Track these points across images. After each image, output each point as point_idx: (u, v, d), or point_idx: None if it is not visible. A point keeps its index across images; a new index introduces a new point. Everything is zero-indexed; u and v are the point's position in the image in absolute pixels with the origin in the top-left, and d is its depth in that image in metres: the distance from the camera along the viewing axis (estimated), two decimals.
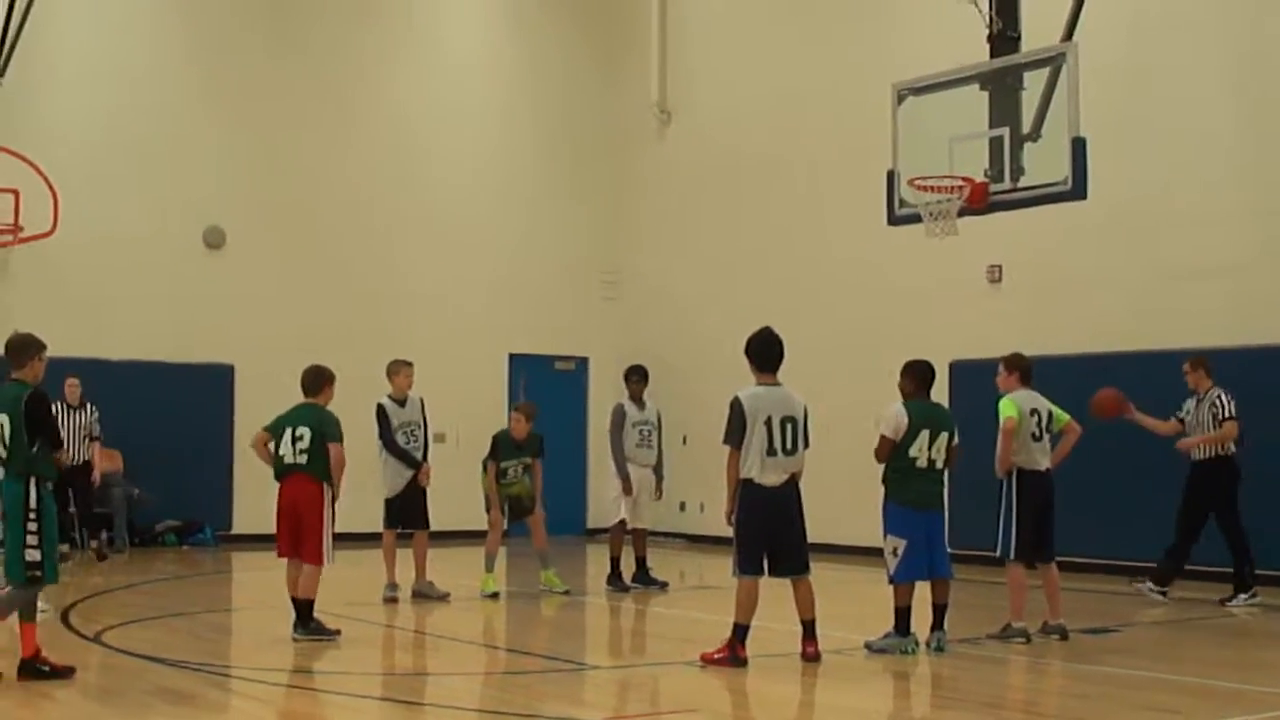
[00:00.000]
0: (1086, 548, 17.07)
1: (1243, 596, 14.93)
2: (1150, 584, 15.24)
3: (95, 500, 19.78)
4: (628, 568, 16.20)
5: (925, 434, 11.54)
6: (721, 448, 10.95)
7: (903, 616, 11.50)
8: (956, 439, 11.75)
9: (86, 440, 18.87)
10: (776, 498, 10.80)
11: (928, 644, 11.52)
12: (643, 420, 16.33)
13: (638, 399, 16.42)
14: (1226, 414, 15.02)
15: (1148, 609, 14.75)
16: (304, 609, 11.99)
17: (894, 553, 11.52)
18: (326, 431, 12.04)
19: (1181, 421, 15.39)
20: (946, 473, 11.83)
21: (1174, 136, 17.78)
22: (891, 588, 11.57)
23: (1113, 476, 17.24)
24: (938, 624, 11.64)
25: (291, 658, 11.37)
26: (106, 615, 13.53)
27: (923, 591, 11.63)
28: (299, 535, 12.03)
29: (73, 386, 18.64)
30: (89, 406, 18.93)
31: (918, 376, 11.78)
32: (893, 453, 11.57)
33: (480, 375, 23.79)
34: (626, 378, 16.66)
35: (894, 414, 11.63)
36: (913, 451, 11.52)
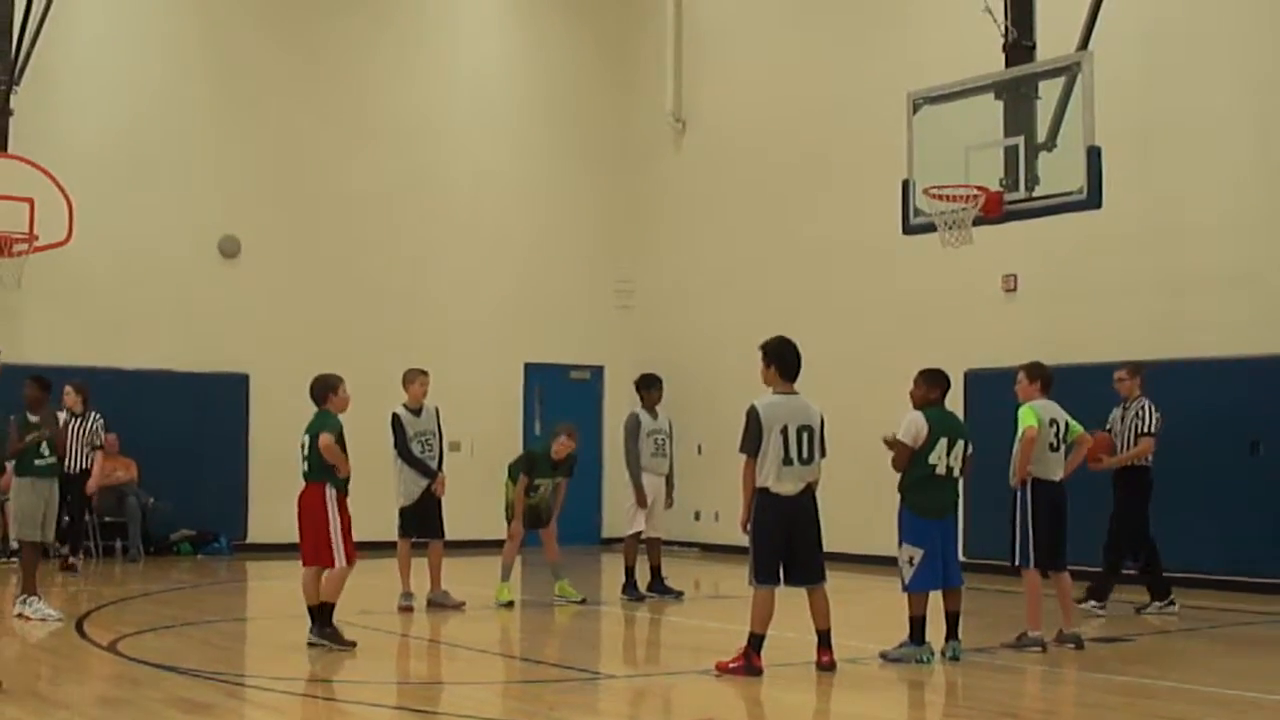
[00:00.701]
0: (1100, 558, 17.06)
1: (1093, 603, 14.60)
2: (1155, 605, 14.98)
3: (96, 509, 19.87)
4: (642, 577, 16.19)
5: (944, 441, 11.53)
6: (737, 457, 10.94)
7: (917, 625, 11.47)
8: (971, 448, 11.74)
9: (88, 448, 18.76)
10: (793, 507, 10.78)
11: (943, 653, 11.50)
12: (657, 429, 16.33)
13: (651, 408, 16.42)
14: (1145, 429, 14.77)
15: (1162, 618, 14.71)
16: (324, 612, 12.02)
17: (910, 562, 11.48)
18: (320, 427, 12.04)
19: (1108, 431, 15.03)
20: (961, 481, 11.81)
21: (1189, 145, 17.75)
22: (906, 597, 11.55)
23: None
24: (952, 633, 11.62)
25: (307, 667, 11.38)
26: (121, 624, 13.54)
27: (935, 600, 11.60)
28: (313, 542, 12.08)
29: (69, 393, 18.35)
30: (93, 414, 18.84)
31: (934, 384, 11.77)
32: (912, 461, 11.55)
33: (495, 384, 23.82)
34: (640, 386, 16.65)
35: (912, 421, 11.61)
36: (932, 459, 11.50)
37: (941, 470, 11.54)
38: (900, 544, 11.61)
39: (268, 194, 22.49)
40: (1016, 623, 12.31)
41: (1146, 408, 14.87)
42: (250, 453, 21.59)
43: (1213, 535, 16.89)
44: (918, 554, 11.46)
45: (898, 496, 11.76)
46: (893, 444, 11.69)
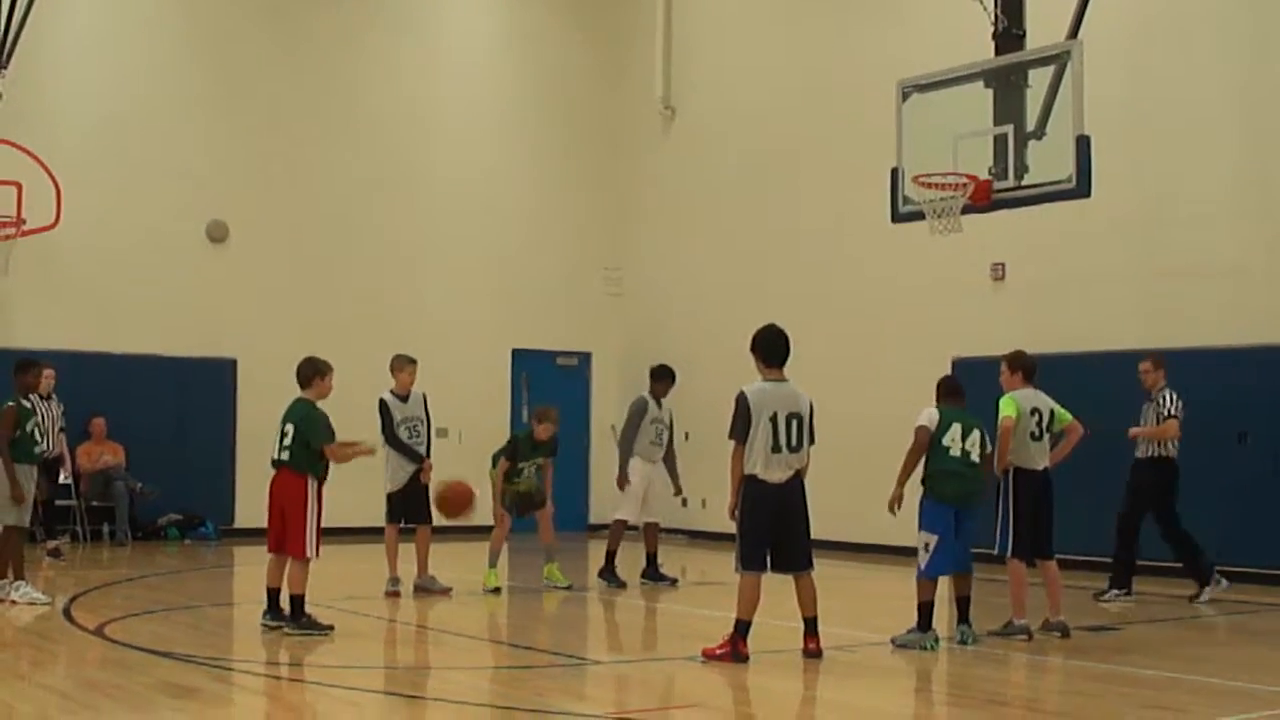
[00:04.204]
0: (1088, 545, 17.08)
1: (1209, 590, 14.98)
2: (1114, 591, 15.12)
3: (84, 493, 19.90)
4: (634, 563, 16.20)
5: (958, 427, 11.74)
6: (724, 444, 10.93)
7: (925, 612, 11.55)
8: (989, 446, 11.91)
9: (59, 431, 18.47)
10: (780, 494, 10.78)
11: (953, 638, 11.59)
12: (659, 417, 16.41)
13: (659, 398, 16.47)
14: (1168, 412, 14.93)
15: (1148, 607, 14.76)
16: (295, 604, 11.94)
17: (926, 548, 11.61)
18: (312, 435, 11.95)
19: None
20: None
21: (1178, 134, 17.78)
22: (916, 583, 11.62)
23: (1116, 475, 17.23)
24: (963, 617, 11.79)
25: (294, 652, 11.37)
26: (108, 609, 13.53)
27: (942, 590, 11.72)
28: (284, 530, 12.01)
29: (49, 377, 17.42)
30: (55, 398, 18.21)
31: (945, 389, 12.09)
32: (930, 450, 11.71)
33: (483, 371, 23.80)
34: (654, 375, 16.67)
35: (926, 412, 11.87)
36: (946, 440, 11.67)
37: (956, 452, 11.68)
38: (919, 530, 11.71)
39: (255, 179, 22.45)
40: (1002, 611, 12.32)
41: (1168, 394, 15.02)
42: (238, 438, 21.54)
43: (1200, 525, 16.87)
44: (933, 540, 11.60)
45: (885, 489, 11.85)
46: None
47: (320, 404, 12.25)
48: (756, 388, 10.88)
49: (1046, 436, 12.31)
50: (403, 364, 15.26)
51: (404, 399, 15.15)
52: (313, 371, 12.34)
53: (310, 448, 11.95)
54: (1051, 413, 12.35)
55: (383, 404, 15.07)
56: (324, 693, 10.00)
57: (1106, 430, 16.60)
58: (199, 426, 21.51)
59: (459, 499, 14.28)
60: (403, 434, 15.02)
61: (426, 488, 15.11)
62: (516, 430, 15.85)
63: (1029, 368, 12.51)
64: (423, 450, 15.11)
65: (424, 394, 15.32)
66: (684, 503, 22.56)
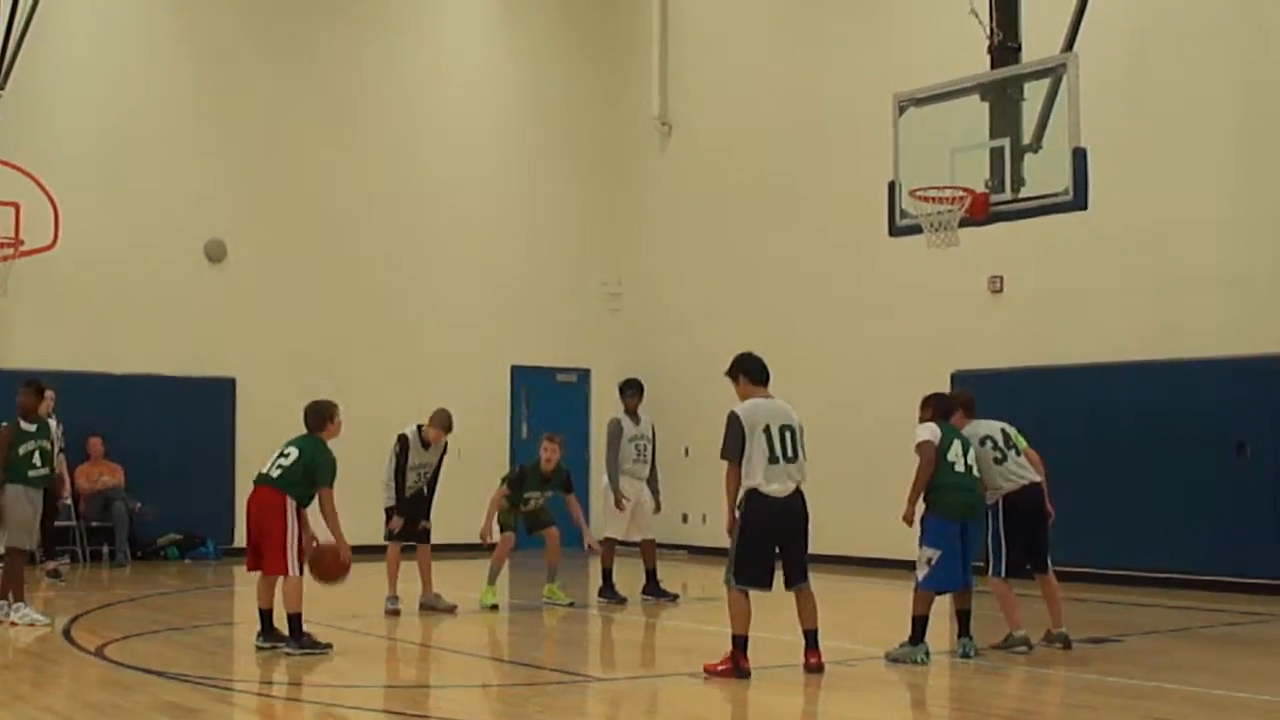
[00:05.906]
0: (1090, 557, 17.08)
1: None
2: None
3: (83, 514, 19.88)
4: (634, 580, 16.18)
5: (958, 443, 11.77)
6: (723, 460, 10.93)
7: (919, 625, 11.55)
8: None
9: (58, 453, 18.20)
10: (785, 510, 10.76)
11: (955, 652, 11.66)
12: (638, 434, 16.37)
13: (633, 413, 16.44)
14: None
15: (1150, 617, 14.74)
16: (293, 623, 11.89)
17: (928, 563, 11.62)
18: (318, 474, 11.92)
19: None
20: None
21: (1175, 146, 17.79)
22: (912, 595, 11.63)
23: (1118, 487, 17.23)
24: (964, 630, 11.81)
25: (294, 671, 11.35)
26: (108, 629, 13.50)
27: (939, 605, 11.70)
28: (260, 546, 11.91)
29: (50, 398, 16.63)
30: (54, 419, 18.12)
31: (938, 406, 12.07)
32: (935, 465, 11.69)
33: (482, 387, 23.76)
34: (622, 391, 16.69)
35: (928, 428, 11.85)
36: (950, 456, 11.68)
37: (961, 468, 11.71)
38: (920, 546, 11.70)
39: (254, 198, 22.44)
40: (1001, 624, 12.32)
41: None
42: (237, 457, 21.47)
43: (1200, 536, 16.92)
44: (935, 555, 11.61)
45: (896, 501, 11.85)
46: None
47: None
48: (746, 404, 10.91)
49: (1011, 452, 12.25)
50: (439, 421, 15.05)
51: (425, 445, 15.02)
52: (321, 416, 12.24)
53: (314, 482, 11.92)
54: (1004, 431, 12.31)
55: (403, 441, 14.91)
56: (324, 712, 10.00)
57: (1110, 445, 16.67)
58: (198, 446, 21.46)
59: (330, 567, 12.29)
60: (410, 478, 14.86)
61: (428, 505, 15.08)
62: (525, 462, 15.93)
63: (967, 403, 12.50)
64: (424, 493, 15.07)
65: (447, 441, 15.23)
66: (684, 518, 22.61)
